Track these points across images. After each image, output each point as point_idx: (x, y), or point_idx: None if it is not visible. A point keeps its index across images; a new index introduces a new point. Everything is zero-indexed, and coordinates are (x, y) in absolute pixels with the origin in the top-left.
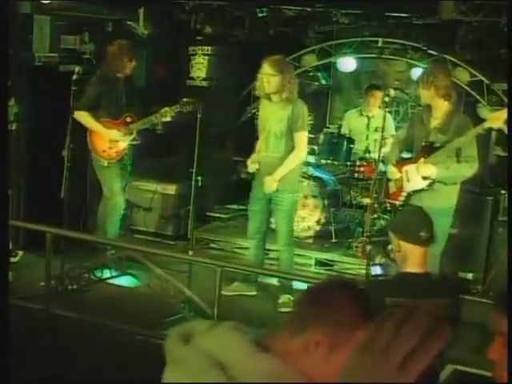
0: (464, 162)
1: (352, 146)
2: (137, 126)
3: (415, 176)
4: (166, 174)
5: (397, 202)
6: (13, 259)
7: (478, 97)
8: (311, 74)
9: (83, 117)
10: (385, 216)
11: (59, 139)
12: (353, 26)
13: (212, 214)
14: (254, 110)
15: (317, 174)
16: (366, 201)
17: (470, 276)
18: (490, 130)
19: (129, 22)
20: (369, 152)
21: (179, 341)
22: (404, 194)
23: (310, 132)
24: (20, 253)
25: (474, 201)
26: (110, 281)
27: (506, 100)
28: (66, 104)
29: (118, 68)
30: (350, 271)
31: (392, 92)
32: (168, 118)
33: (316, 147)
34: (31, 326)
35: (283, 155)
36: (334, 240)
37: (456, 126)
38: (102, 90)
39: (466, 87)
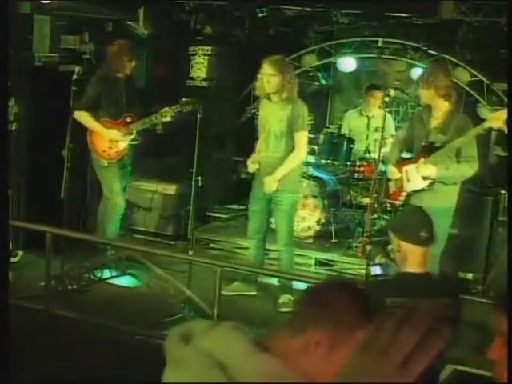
0: (464, 162)
1: (352, 146)
2: (137, 126)
3: (415, 176)
4: (166, 174)
5: (397, 202)
6: (13, 259)
7: (478, 97)
8: (311, 74)
9: (83, 117)
10: (385, 216)
11: (59, 139)
12: (353, 25)
13: (212, 214)
14: (253, 110)
15: (317, 173)
16: (366, 201)
17: (470, 276)
18: (490, 130)
19: (129, 22)
20: (369, 152)
21: (179, 341)
22: (404, 193)
23: (310, 132)
24: (20, 253)
25: (474, 201)
26: (110, 281)
27: (506, 100)
28: (66, 104)
29: (118, 68)
30: (350, 271)
31: (392, 92)
32: (168, 118)
33: (316, 147)
34: (31, 326)
35: (283, 155)
36: (334, 240)
37: (456, 126)
38: (102, 90)
39: (466, 87)
